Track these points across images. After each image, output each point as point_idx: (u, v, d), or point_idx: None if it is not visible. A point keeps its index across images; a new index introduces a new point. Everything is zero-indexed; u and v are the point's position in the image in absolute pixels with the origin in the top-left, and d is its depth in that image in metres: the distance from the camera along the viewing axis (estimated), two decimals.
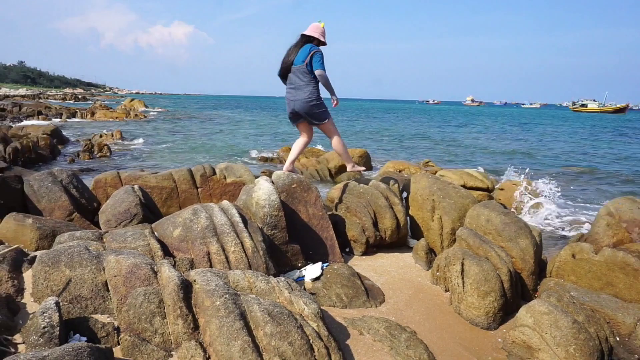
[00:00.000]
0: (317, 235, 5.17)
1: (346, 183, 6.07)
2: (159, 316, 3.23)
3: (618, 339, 3.66)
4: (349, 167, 6.09)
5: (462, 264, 4.21)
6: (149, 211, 5.89)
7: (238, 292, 3.42)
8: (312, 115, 5.55)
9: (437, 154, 21.47)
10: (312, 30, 5.41)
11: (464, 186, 8.63)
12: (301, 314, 3.37)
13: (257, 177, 9.50)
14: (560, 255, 4.48)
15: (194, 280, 3.41)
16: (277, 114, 62.06)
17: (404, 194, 6.17)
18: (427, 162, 13.58)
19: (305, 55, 5.29)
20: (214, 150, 19.72)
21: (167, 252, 4.28)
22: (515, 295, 4.24)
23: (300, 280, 4.64)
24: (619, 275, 4.00)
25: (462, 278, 4.15)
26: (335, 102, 5.70)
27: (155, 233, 4.60)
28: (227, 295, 3.23)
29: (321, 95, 5.56)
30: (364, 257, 5.36)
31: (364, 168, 6.04)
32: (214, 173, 7.15)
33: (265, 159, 16.41)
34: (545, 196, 9.03)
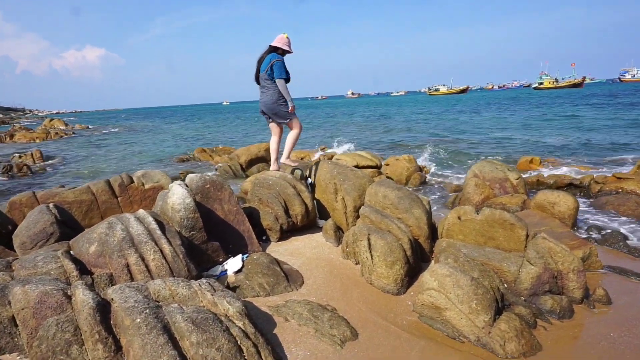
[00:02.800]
0: (234, 229, 4.63)
1: (256, 176, 5.57)
2: (76, 344, 2.56)
3: (506, 285, 3.54)
4: (283, 158, 5.63)
5: (369, 239, 3.90)
6: (68, 227, 5.01)
7: (160, 304, 2.83)
8: (276, 114, 5.37)
9: (328, 139, 21.43)
10: (277, 42, 5.26)
11: (356, 166, 8.44)
12: (226, 315, 2.86)
13: (176, 179, 8.65)
14: (448, 218, 4.32)
15: (112, 299, 2.77)
16: (185, 119, 59.29)
17: (309, 180, 5.78)
18: (323, 148, 13.33)
19: (267, 64, 5.19)
20: (134, 158, 18.11)
21: (84, 270, 3.55)
22: (416, 259, 4.01)
23: (223, 274, 4.10)
24: (498, 230, 3.89)
25: (370, 252, 3.84)
26: (291, 107, 5.33)
27: (72, 251, 3.83)
28: (147, 311, 2.64)
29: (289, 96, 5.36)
30: (280, 242, 4.90)
31: (296, 164, 5.62)
32: (132, 181, 6.31)
33: (182, 160, 15.31)
34: (426, 166, 9.08)
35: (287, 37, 5.31)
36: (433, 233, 4.45)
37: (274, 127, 5.64)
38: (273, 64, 5.14)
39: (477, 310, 2.99)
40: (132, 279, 3.45)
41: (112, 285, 3.42)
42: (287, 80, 5.32)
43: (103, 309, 2.70)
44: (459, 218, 4.19)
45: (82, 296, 2.70)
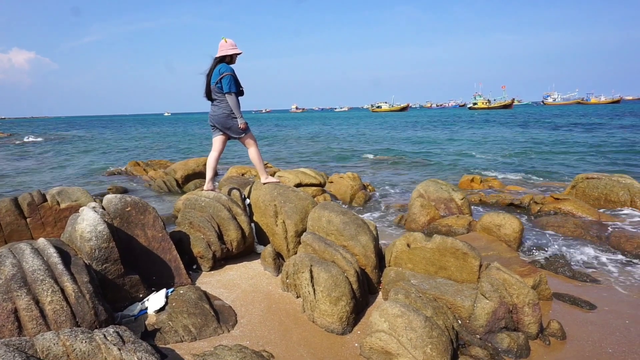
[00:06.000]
0: (159, 259, 4.04)
1: (187, 197, 5.00)
2: None
3: (460, 322, 3.23)
4: (262, 179, 5.09)
5: (311, 271, 3.48)
6: None
7: None
8: (229, 128, 4.96)
9: (273, 155, 20.95)
10: (220, 51, 4.83)
11: (300, 184, 8.03)
12: None
13: (103, 194, 7.73)
14: (396, 245, 3.99)
15: None
16: (121, 130, 56.53)
17: (247, 201, 5.29)
18: (266, 164, 12.83)
19: (216, 77, 4.78)
20: (58, 171, 16.61)
21: None
22: (363, 292, 3.63)
23: (142, 313, 3.50)
24: (450, 259, 3.61)
25: (313, 286, 3.42)
26: (241, 124, 4.88)
27: None
28: None
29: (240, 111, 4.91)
30: (212, 272, 4.37)
31: (277, 180, 5.10)
32: (45, 200, 5.49)
33: (113, 174, 14.19)
34: (370, 184, 8.83)
35: (227, 41, 4.84)
36: (380, 261, 4.11)
37: (217, 142, 5.12)
38: (222, 78, 4.69)
39: (433, 357, 2.64)
40: (20, 328, 2.79)
41: None
42: (240, 93, 4.89)
43: None
44: (408, 245, 3.87)
45: None
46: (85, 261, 3.41)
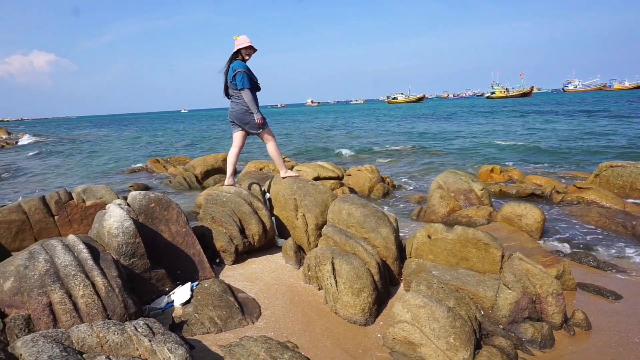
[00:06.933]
0: (183, 253, 4.13)
1: (209, 192, 5.08)
2: None
3: (483, 312, 3.24)
4: (282, 173, 5.20)
5: (333, 264, 3.52)
6: None
7: (84, 356, 2.33)
8: (248, 123, 5.01)
9: (291, 149, 21.02)
10: (235, 47, 4.91)
11: (318, 177, 8.08)
12: None
13: (126, 192, 7.87)
14: (417, 237, 4.00)
15: (20, 355, 2.25)
16: (140, 128, 57.34)
17: (267, 195, 5.35)
18: (283, 158, 12.91)
19: (231, 74, 4.87)
20: (81, 170, 16.98)
21: None
22: (384, 284, 3.66)
23: (169, 306, 3.60)
24: (471, 250, 3.60)
25: (335, 278, 3.46)
26: (258, 119, 4.93)
27: None
28: None
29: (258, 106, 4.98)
30: (235, 265, 4.45)
31: (296, 174, 5.19)
32: (71, 198, 5.64)
33: (134, 171, 14.45)
34: (388, 177, 8.82)
35: (237, 37, 4.92)
36: (401, 253, 4.12)
37: (237, 137, 5.20)
38: (235, 74, 4.78)
39: (456, 346, 2.66)
40: (55, 321, 2.91)
41: (30, 330, 2.87)
42: (256, 89, 4.97)
43: None
44: (429, 237, 3.88)
45: None
46: (113, 256, 3.51)
